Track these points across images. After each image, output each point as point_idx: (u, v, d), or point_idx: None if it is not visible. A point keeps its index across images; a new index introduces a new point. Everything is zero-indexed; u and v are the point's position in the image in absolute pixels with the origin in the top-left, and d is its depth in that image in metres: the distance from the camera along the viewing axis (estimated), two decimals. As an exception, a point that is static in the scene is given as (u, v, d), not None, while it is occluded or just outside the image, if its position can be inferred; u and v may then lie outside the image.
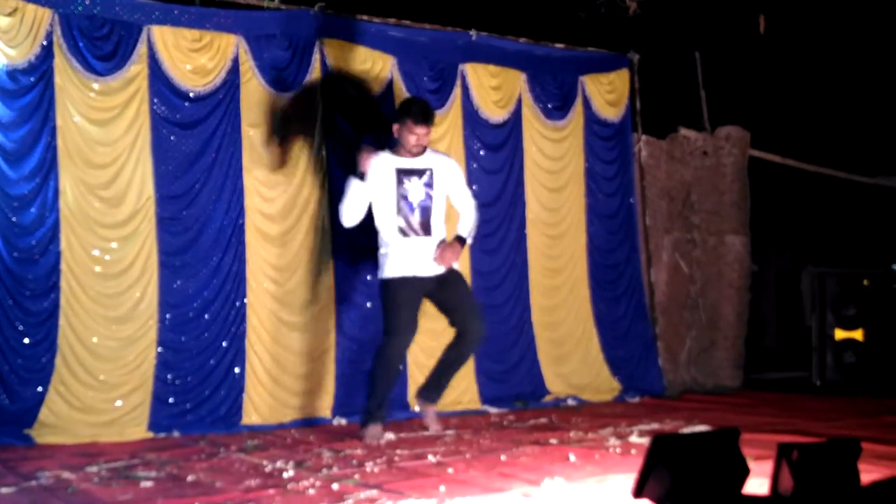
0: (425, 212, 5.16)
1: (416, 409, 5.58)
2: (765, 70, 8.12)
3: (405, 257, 5.11)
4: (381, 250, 5.21)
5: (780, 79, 8.26)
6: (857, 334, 7.51)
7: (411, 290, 5.11)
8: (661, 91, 7.51)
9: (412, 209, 5.14)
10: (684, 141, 7.55)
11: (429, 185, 5.18)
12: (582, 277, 7.00)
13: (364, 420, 5.13)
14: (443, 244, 5.15)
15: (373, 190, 5.10)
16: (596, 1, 6.76)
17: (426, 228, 5.16)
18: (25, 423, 5.07)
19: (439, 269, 5.15)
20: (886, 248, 8.44)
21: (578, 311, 6.93)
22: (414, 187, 5.15)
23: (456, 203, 5.33)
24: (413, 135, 5.07)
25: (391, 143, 5.21)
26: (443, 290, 5.19)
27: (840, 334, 7.50)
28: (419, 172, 5.17)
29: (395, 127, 5.13)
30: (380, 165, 5.10)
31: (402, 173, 5.15)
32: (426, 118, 5.10)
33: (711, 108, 7.63)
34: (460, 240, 5.22)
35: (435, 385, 5.39)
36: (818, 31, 7.73)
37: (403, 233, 5.13)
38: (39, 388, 5.19)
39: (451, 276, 5.21)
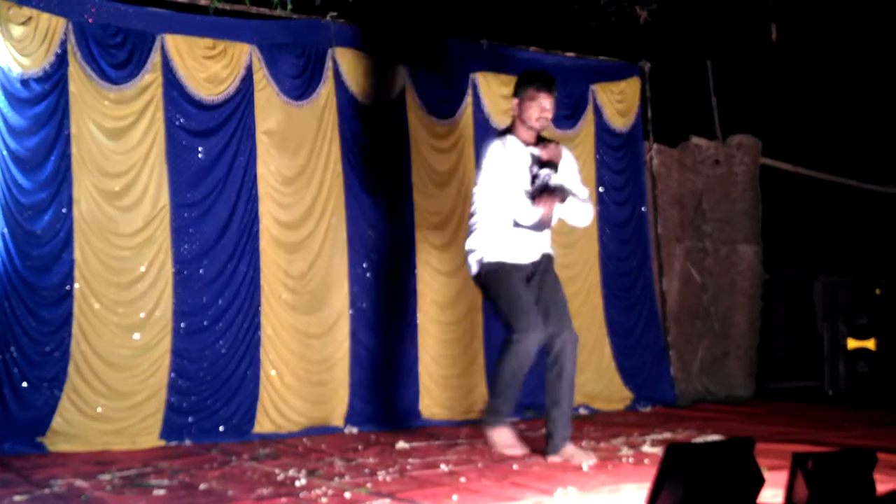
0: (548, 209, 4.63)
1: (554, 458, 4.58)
2: (776, 78, 8.10)
3: (509, 246, 4.63)
4: (481, 237, 4.64)
5: (792, 87, 8.24)
6: (870, 344, 7.48)
7: (519, 275, 4.61)
8: (673, 99, 7.50)
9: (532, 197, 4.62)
10: (696, 149, 7.55)
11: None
12: (595, 286, 7.00)
13: (490, 421, 4.65)
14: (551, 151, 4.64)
15: (504, 174, 4.59)
16: (607, 9, 6.75)
17: (541, 226, 4.69)
18: (38, 432, 5.09)
19: (536, 257, 4.68)
20: (899, 257, 8.41)
21: (592, 320, 6.92)
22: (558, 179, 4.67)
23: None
24: (538, 105, 4.61)
25: (503, 131, 4.82)
26: (541, 289, 4.66)
27: (852, 344, 7.47)
28: (553, 165, 4.65)
29: (515, 101, 4.68)
30: (514, 149, 4.64)
31: (536, 162, 4.65)
32: (551, 86, 4.65)
33: (723, 117, 7.63)
34: (563, 191, 4.64)
35: (554, 425, 4.61)
36: (830, 39, 7.72)
37: (517, 225, 4.62)
38: (52, 397, 5.21)
39: (550, 277, 4.71)
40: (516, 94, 4.70)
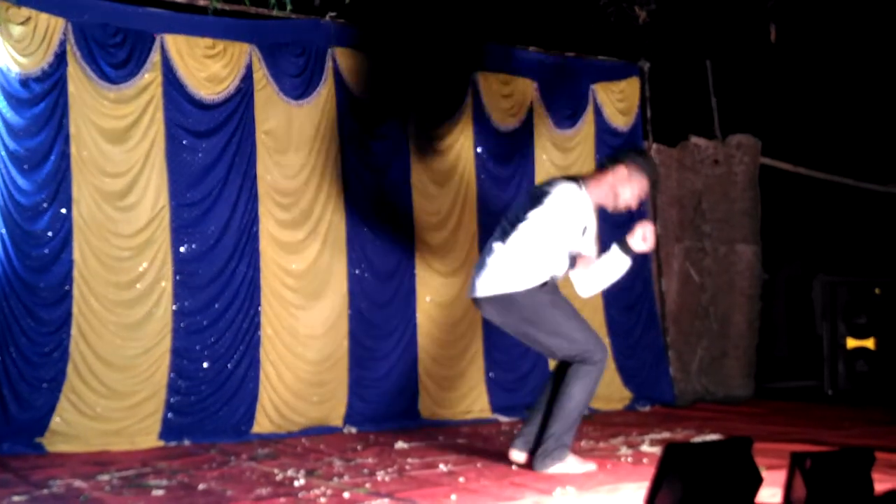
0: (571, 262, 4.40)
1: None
2: (776, 78, 8.10)
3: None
4: (516, 262, 4.22)
5: (792, 87, 8.24)
6: (869, 343, 7.48)
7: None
8: (672, 99, 7.50)
9: (570, 259, 4.37)
10: (695, 149, 7.55)
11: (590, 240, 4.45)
12: (595, 286, 6.99)
13: (561, 455, 4.22)
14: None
15: (565, 226, 4.25)
16: (606, 10, 6.75)
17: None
18: (37, 432, 5.09)
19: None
20: (898, 256, 8.41)
21: (592, 320, 6.85)
22: (584, 241, 4.42)
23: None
24: (636, 195, 4.31)
25: (575, 178, 4.42)
26: None
27: (851, 343, 7.47)
28: (628, 251, 4.33)
29: (623, 172, 4.27)
30: (584, 206, 4.30)
31: (588, 223, 4.38)
32: (656, 187, 4.47)
33: (722, 117, 7.63)
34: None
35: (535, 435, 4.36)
36: (829, 39, 7.72)
37: (553, 276, 4.32)
38: (51, 397, 5.21)
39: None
40: (628, 163, 4.28)
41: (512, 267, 4.20)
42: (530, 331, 4.28)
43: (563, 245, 4.26)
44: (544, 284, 4.24)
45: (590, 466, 4.27)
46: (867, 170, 8.47)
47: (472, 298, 4.41)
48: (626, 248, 4.30)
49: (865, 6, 7.25)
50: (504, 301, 4.23)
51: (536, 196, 4.30)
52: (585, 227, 4.35)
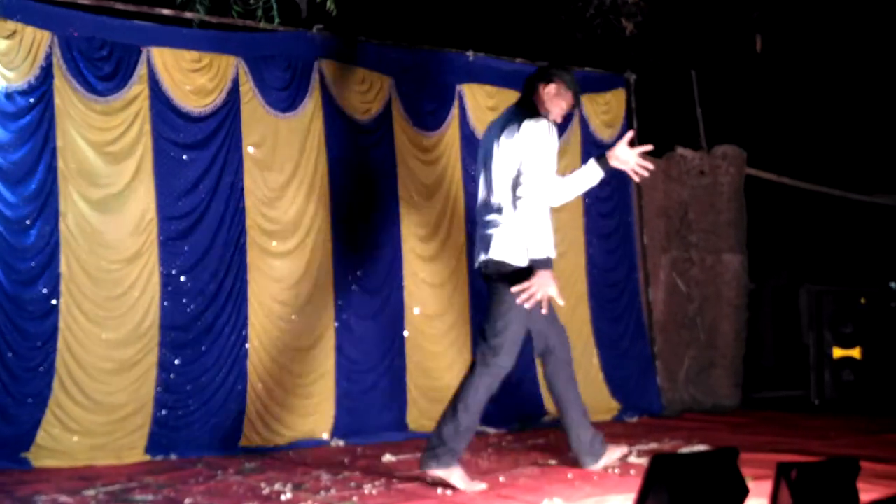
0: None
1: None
2: (761, 89, 8.15)
3: (549, 237, 4.33)
4: (524, 227, 4.20)
5: (777, 98, 8.30)
6: (855, 352, 7.51)
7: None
8: (658, 110, 7.54)
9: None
10: (681, 160, 7.58)
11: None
12: (582, 296, 7.01)
13: (448, 463, 4.21)
14: None
15: (553, 157, 4.34)
16: (593, 22, 6.79)
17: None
18: (22, 447, 5.05)
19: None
20: (883, 266, 8.45)
21: (580, 331, 6.93)
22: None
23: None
24: (566, 102, 4.45)
25: (536, 112, 4.41)
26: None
27: (838, 353, 7.49)
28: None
29: (545, 88, 4.40)
30: (554, 133, 4.36)
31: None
32: (579, 99, 4.56)
33: (708, 127, 7.67)
34: None
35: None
36: (814, 50, 7.78)
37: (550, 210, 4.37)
38: (36, 411, 5.17)
39: None
40: (550, 80, 4.42)
41: (528, 228, 4.20)
42: (496, 301, 4.31)
43: (545, 173, 4.30)
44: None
45: (481, 486, 4.20)
46: (852, 180, 8.52)
47: (482, 263, 4.39)
48: (604, 162, 4.55)
49: (850, 17, 7.31)
50: (512, 272, 4.24)
51: (515, 135, 4.30)
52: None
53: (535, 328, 4.45)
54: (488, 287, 4.43)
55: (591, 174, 4.63)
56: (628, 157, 4.53)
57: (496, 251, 4.31)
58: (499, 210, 4.33)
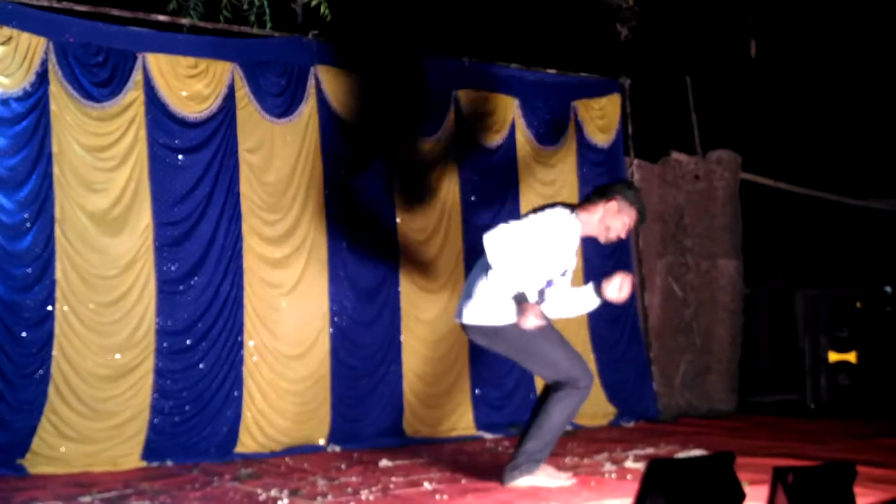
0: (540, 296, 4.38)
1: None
2: (756, 94, 8.17)
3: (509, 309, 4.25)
4: (499, 294, 4.20)
5: (771, 102, 8.32)
6: (851, 357, 7.52)
7: None
8: (653, 115, 7.56)
9: (550, 285, 4.38)
10: (676, 165, 7.60)
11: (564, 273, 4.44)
12: (579, 301, 7.00)
13: (531, 469, 4.27)
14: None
15: (550, 254, 4.28)
16: (587, 27, 6.80)
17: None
18: (18, 454, 5.04)
19: None
20: (878, 270, 8.47)
21: (577, 336, 6.91)
22: (569, 269, 4.45)
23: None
24: (626, 228, 4.39)
25: (570, 206, 4.42)
26: None
27: (833, 357, 7.51)
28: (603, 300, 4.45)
29: (614, 205, 4.32)
30: (572, 236, 4.33)
31: (571, 253, 4.41)
32: (644, 221, 4.49)
33: (703, 132, 7.68)
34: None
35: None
36: (809, 55, 7.80)
37: (538, 296, 4.32)
38: (32, 418, 5.16)
39: None
40: (618, 197, 4.33)
41: (499, 300, 4.19)
42: (518, 357, 4.39)
43: (543, 268, 4.26)
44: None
45: (563, 480, 4.29)
46: (847, 184, 8.54)
47: (459, 323, 4.44)
48: (599, 291, 4.40)
49: (844, 23, 7.33)
50: (490, 331, 4.29)
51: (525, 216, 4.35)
52: (567, 262, 4.37)
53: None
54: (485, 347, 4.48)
55: (588, 301, 4.50)
56: (618, 297, 4.40)
57: (468, 315, 4.31)
58: (480, 273, 4.31)
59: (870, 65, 7.84)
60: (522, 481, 4.23)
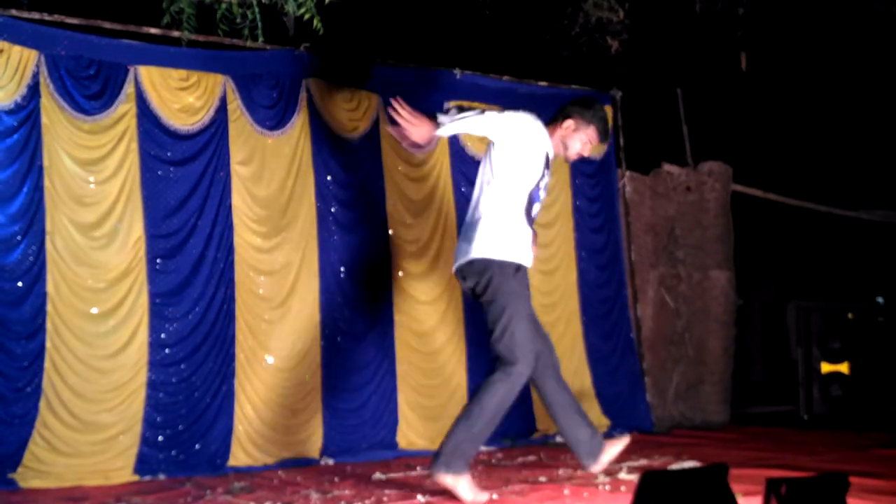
0: (538, 209, 4.51)
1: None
2: (746, 106, 8.21)
3: (525, 247, 4.36)
4: (499, 229, 4.28)
5: (762, 114, 8.35)
6: (843, 367, 7.54)
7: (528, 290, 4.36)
8: (644, 127, 7.59)
9: (538, 201, 4.43)
10: (668, 176, 7.62)
11: (546, 185, 4.53)
12: (575, 313, 7.02)
13: (458, 468, 4.21)
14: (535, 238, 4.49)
15: (525, 157, 4.32)
16: (578, 40, 6.83)
17: (532, 223, 4.49)
18: (9, 468, 5.01)
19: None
20: (870, 281, 8.50)
21: (573, 348, 6.93)
22: (545, 180, 4.49)
23: None
24: (588, 145, 4.51)
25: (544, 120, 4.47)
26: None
27: (826, 368, 7.52)
28: (549, 168, 4.49)
29: (570, 123, 4.46)
30: (539, 138, 4.37)
31: (548, 162, 4.45)
32: (607, 136, 4.60)
33: (694, 144, 7.71)
34: None
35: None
36: (799, 67, 7.84)
37: (529, 220, 4.38)
38: (23, 432, 5.13)
39: None
40: (572, 115, 4.47)
41: (491, 233, 4.27)
42: (489, 307, 4.31)
43: (528, 178, 4.30)
44: (518, 268, 4.29)
45: (480, 497, 4.20)
46: (838, 196, 8.58)
47: (456, 273, 4.47)
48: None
49: (834, 35, 7.38)
50: (481, 266, 4.29)
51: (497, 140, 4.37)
52: (547, 156, 4.42)
53: None
54: (474, 299, 4.45)
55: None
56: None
57: (459, 255, 4.38)
58: (474, 214, 4.38)
59: (860, 76, 7.89)
60: (447, 479, 4.16)
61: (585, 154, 4.57)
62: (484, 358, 6.55)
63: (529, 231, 4.40)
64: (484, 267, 4.29)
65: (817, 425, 7.18)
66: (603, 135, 4.54)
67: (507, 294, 4.25)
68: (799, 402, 7.52)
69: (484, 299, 4.35)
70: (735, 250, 7.62)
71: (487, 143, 4.51)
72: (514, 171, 4.31)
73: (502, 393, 4.21)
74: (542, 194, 4.48)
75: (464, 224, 4.50)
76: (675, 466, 5.01)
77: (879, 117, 8.08)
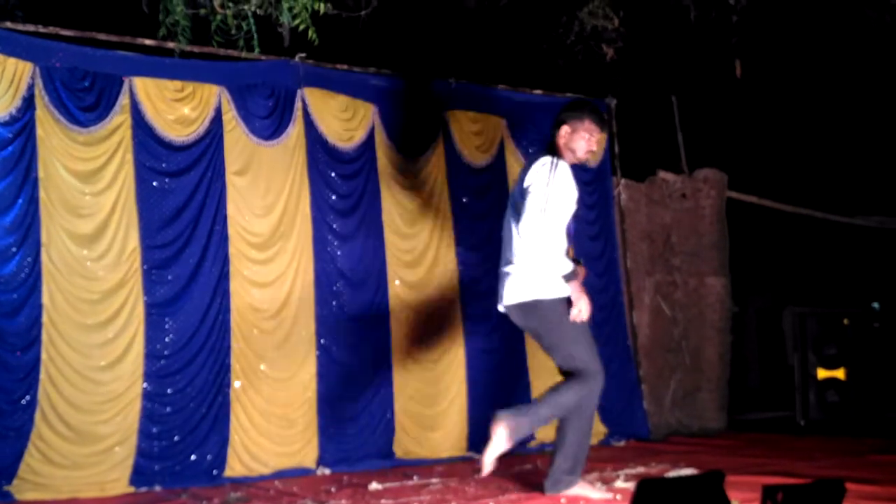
0: (569, 238, 4.56)
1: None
2: (741, 113, 8.23)
3: (560, 280, 4.41)
4: (539, 268, 4.39)
5: (757, 121, 8.37)
6: (839, 373, 7.55)
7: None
8: (639, 135, 7.60)
9: (570, 232, 4.53)
10: (663, 184, 7.63)
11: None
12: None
13: (571, 481, 4.47)
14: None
15: (562, 201, 4.39)
16: (574, 48, 6.85)
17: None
18: (5, 480, 5.00)
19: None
20: (866, 287, 8.52)
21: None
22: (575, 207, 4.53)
23: None
24: (592, 138, 4.52)
25: (551, 152, 4.53)
26: None
27: (822, 374, 7.53)
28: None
29: (566, 129, 4.52)
30: (570, 174, 4.46)
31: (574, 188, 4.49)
32: (603, 122, 4.63)
33: (689, 151, 7.72)
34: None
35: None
36: (793, 74, 7.86)
37: (565, 252, 4.46)
38: (19, 444, 5.12)
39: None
40: (566, 120, 4.53)
41: (536, 275, 4.39)
42: (544, 335, 4.50)
43: (564, 218, 4.40)
44: (567, 299, 4.42)
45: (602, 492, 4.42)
46: (833, 202, 8.60)
47: (502, 311, 4.58)
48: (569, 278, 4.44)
49: (829, 42, 7.40)
50: (528, 306, 4.44)
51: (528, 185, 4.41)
52: (575, 202, 4.50)
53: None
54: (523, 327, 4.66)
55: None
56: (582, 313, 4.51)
57: (509, 296, 4.48)
58: (512, 255, 4.48)
59: (854, 83, 7.91)
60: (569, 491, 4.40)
61: (594, 147, 4.61)
62: (482, 367, 6.57)
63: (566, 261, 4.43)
64: (524, 308, 4.46)
65: (814, 431, 7.19)
66: (600, 122, 4.58)
67: (555, 317, 4.43)
68: (795, 408, 7.53)
69: (534, 336, 4.60)
70: (731, 257, 7.63)
71: (516, 184, 4.61)
72: (554, 219, 4.36)
73: (584, 391, 4.40)
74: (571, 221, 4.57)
75: (502, 261, 4.58)
76: (672, 474, 5.01)
77: (874, 124, 8.11)
